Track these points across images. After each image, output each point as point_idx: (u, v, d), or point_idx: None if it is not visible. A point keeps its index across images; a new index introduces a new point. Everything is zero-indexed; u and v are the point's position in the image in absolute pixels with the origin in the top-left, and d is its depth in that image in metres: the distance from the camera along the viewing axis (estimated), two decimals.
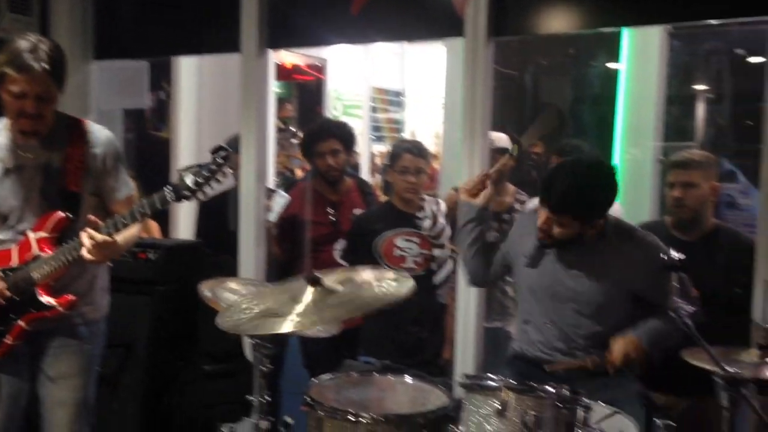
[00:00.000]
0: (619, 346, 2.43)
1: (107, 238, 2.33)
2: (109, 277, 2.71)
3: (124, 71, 4.14)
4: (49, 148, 2.50)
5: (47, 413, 2.56)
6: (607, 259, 2.56)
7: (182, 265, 3.49)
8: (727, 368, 1.84)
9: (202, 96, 6.20)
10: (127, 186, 2.60)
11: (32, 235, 2.47)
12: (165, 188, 2.28)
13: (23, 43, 2.35)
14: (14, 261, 2.48)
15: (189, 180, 2.23)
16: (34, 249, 2.45)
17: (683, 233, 2.98)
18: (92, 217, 2.38)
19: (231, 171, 2.29)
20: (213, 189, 2.28)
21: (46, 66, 2.34)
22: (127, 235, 2.49)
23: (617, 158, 5.19)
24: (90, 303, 2.60)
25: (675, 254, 2.00)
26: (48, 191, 2.49)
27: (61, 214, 2.46)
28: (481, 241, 2.80)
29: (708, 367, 1.90)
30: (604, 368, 2.49)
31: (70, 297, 2.44)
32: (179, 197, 2.26)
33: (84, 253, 2.33)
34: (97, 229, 2.34)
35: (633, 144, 5.14)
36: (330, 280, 2.28)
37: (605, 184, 2.54)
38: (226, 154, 2.23)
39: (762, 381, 2.02)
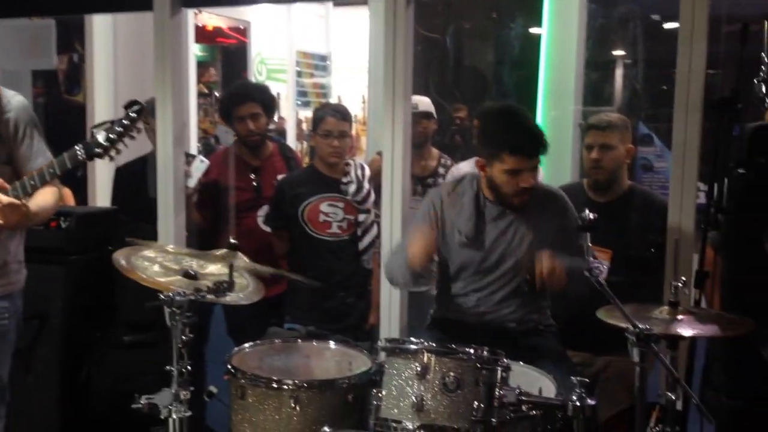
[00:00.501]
0: (546, 261, 2.43)
1: (14, 200, 2.22)
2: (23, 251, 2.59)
3: (30, 30, 3.93)
4: None
5: None
6: (532, 217, 2.62)
7: (97, 233, 3.37)
8: (638, 325, 1.89)
9: (118, 58, 5.97)
10: (43, 155, 2.46)
11: None
12: (76, 146, 2.18)
13: None
14: None
15: (101, 137, 2.15)
16: None
17: (600, 195, 3.04)
18: (0, 180, 2.27)
19: (145, 126, 2.21)
20: (126, 145, 2.19)
21: None
22: (41, 201, 2.39)
23: (539, 121, 5.27)
24: (3, 276, 2.48)
25: (588, 214, 2.03)
26: None
27: None
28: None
29: (621, 324, 1.95)
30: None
31: None
32: (90, 155, 2.16)
33: None
34: (5, 192, 2.23)
35: (554, 107, 5.23)
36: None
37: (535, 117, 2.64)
38: (140, 108, 2.15)
39: (672, 337, 2.09)
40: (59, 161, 2.24)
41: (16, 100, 2.46)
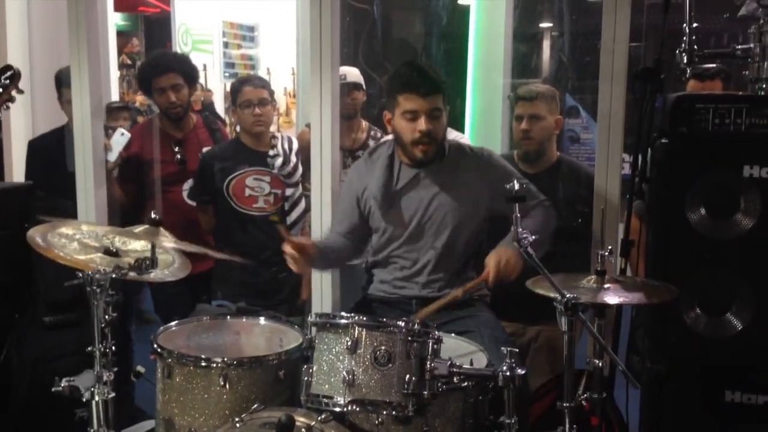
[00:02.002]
0: (494, 260, 2.43)
1: None
2: None
3: None
4: None
5: None
6: (456, 178, 2.61)
7: (12, 209, 3.20)
8: (566, 294, 1.92)
9: (32, 25, 5.68)
10: None
11: None
12: None
13: None
14: None
15: None
16: None
17: (529, 166, 3.07)
18: None
19: (19, 93, 2.04)
20: None
21: None
22: None
23: (469, 94, 5.29)
24: None
25: (515, 184, 2.04)
26: None
27: None
28: (328, 259, 2.72)
29: (549, 294, 1.97)
30: (470, 294, 2.53)
31: None
32: None
33: None
34: None
35: (483, 79, 5.24)
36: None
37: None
38: (12, 74, 2.00)
39: (599, 305, 2.13)
40: None
41: None
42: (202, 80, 6.21)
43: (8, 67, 2.00)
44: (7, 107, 2.01)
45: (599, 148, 2.82)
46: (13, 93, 1.99)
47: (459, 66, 5.31)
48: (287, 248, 2.45)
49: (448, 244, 2.59)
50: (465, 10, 5.31)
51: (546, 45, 5.73)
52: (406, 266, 2.62)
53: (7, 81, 1.98)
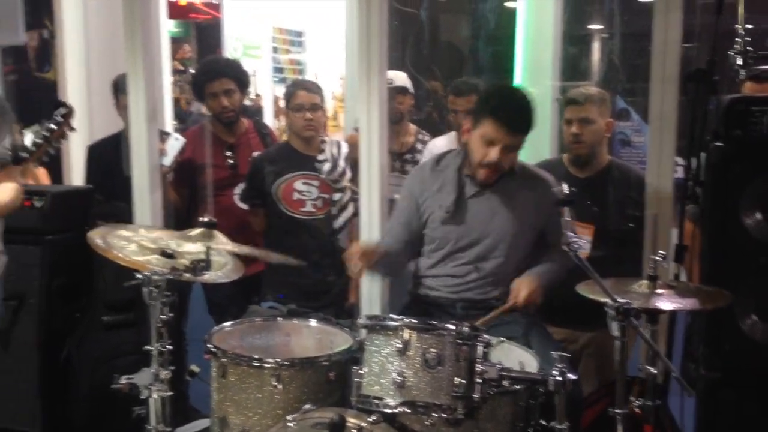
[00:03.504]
0: (523, 290, 2.48)
1: None
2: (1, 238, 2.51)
3: None
4: None
5: None
6: (516, 199, 2.60)
7: (73, 212, 3.31)
8: (618, 299, 1.90)
9: (90, 34, 5.85)
10: (3, 142, 2.32)
11: None
12: (6, 148, 2.08)
13: None
14: None
15: (28, 140, 2.04)
16: None
17: (580, 170, 3.05)
18: None
19: (72, 131, 2.09)
20: (54, 150, 2.08)
21: None
22: None
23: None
24: None
25: (566, 188, 2.03)
26: None
27: None
28: (389, 264, 2.71)
29: (600, 299, 1.96)
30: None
31: None
32: (17, 159, 2.05)
33: None
34: None
35: (532, 83, 5.20)
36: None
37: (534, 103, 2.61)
38: (66, 111, 2.05)
39: (652, 311, 2.11)
40: None
41: None
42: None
43: (63, 104, 2.06)
44: (59, 143, 2.06)
45: (651, 151, 2.78)
46: (66, 130, 2.04)
47: (506, 69, 5.29)
48: (352, 253, 2.49)
49: (500, 260, 2.60)
50: (512, 13, 5.29)
51: (596, 47, 5.66)
52: (458, 275, 2.63)
53: (61, 118, 2.04)
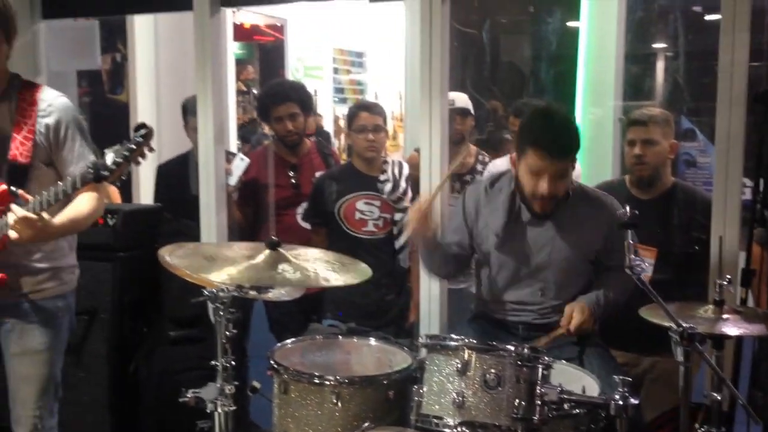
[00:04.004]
0: (576, 315, 2.45)
1: (29, 214, 2.20)
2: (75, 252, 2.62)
3: (75, 31, 4.01)
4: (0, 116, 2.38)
5: (13, 388, 2.50)
6: (575, 224, 2.57)
7: (143, 230, 3.44)
8: (682, 323, 1.87)
9: (160, 57, 6.06)
10: (84, 159, 2.41)
11: None
12: (87, 166, 2.18)
13: None
14: None
15: (109, 159, 2.13)
16: None
17: (643, 192, 3.01)
18: (21, 192, 2.27)
19: (151, 152, 2.17)
20: (131, 169, 2.17)
21: None
22: (71, 214, 2.37)
23: (579, 117, 5.22)
24: (55, 278, 2.52)
25: (628, 211, 2.01)
26: None
27: (3, 186, 2.33)
28: (440, 256, 2.71)
29: (664, 323, 1.93)
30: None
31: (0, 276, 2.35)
32: (98, 177, 2.13)
33: (8, 231, 2.22)
34: (26, 206, 2.23)
35: (594, 103, 5.17)
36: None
37: (575, 121, 2.56)
38: (146, 132, 2.13)
39: (718, 336, 2.06)
40: (71, 181, 2.22)
41: (59, 102, 2.44)
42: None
43: (143, 125, 2.15)
44: (138, 162, 2.16)
45: (717, 172, 2.74)
46: (145, 150, 2.13)
47: (568, 89, 5.26)
48: (418, 206, 2.51)
49: (558, 283, 2.58)
50: (574, 33, 5.27)
51: (660, 66, 5.58)
52: (519, 300, 2.62)
53: (141, 139, 2.12)
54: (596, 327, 2.62)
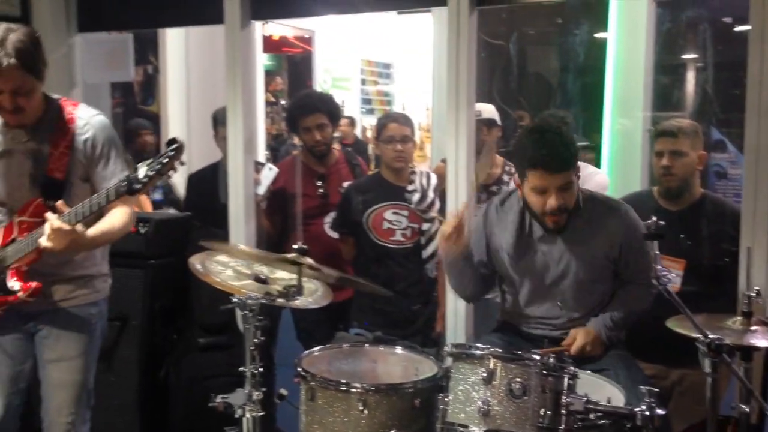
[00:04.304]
0: (579, 338, 2.47)
1: (64, 225, 2.26)
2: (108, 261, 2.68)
3: (109, 44, 4.10)
4: (39, 133, 2.46)
5: (46, 395, 2.56)
6: (588, 234, 2.57)
7: (173, 238, 3.49)
8: (709, 334, 1.87)
9: (191, 69, 6.16)
10: (117, 176, 2.47)
11: (16, 219, 2.45)
12: (120, 179, 2.24)
13: None
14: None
15: (141, 172, 2.18)
16: (15, 232, 2.44)
17: (671, 203, 2.99)
18: (59, 203, 2.33)
19: (182, 165, 2.23)
20: (163, 182, 2.22)
21: (14, 61, 2.24)
22: (105, 225, 2.43)
23: (606, 129, 5.20)
24: (88, 286, 2.58)
25: (655, 222, 2.01)
26: (37, 176, 2.46)
27: (40, 200, 2.42)
28: (470, 272, 2.72)
29: (691, 334, 1.93)
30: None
31: (34, 284, 2.40)
32: (132, 190, 2.18)
33: (42, 240, 2.28)
34: (60, 217, 2.29)
35: (622, 114, 5.14)
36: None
37: (567, 130, 2.61)
38: (178, 146, 2.18)
39: (746, 348, 2.05)
40: (106, 193, 2.28)
41: (96, 120, 2.52)
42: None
43: (174, 140, 2.21)
44: (169, 176, 2.22)
45: (746, 183, 2.72)
46: (176, 164, 2.18)
47: (596, 100, 5.24)
48: (453, 220, 2.55)
49: (577, 295, 2.58)
50: (602, 44, 5.25)
51: (690, 77, 5.54)
52: (537, 314, 2.63)
53: (172, 153, 2.18)
54: (621, 337, 2.62)
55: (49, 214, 2.29)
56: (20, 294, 2.40)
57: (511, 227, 2.63)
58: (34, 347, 2.56)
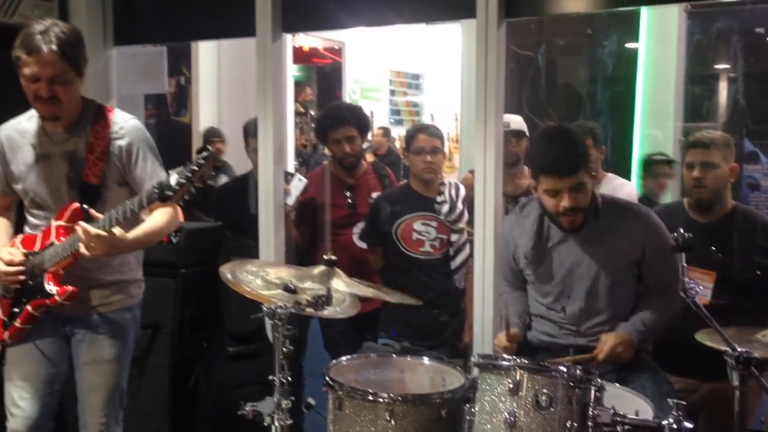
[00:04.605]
0: (609, 343, 2.47)
1: (100, 231, 2.31)
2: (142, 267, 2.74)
3: (144, 56, 4.18)
4: (75, 136, 2.52)
5: (81, 397, 2.62)
6: (608, 237, 2.58)
7: (204, 248, 3.55)
8: (737, 347, 1.85)
9: (222, 81, 6.27)
10: (157, 176, 2.53)
11: (54, 223, 2.51)
12: (153, 186, 2.28)
13: (36, 27, 2.36)
14: (37, 246, 2.54)
15: (173, 179, 2.22)
16: (52, 236, 2.50)
17: (701, 215, 2.97)
18: (92, 210, 2.39)
19: (212, 173, 2.27)
20: (194, 190, 2.25)
21: (55, 47, 2.32)
22: (149, 226, 2.49)
23: (637, 139, 5.18)
24: (123, 291, 2.64)
25: (682, 234, 2.00)
26: (74, 180, 2.52)
27: (76, 204, 2.47)
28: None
29: (720, 347, 1.91)
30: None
31: (70, 288, 2.46)
32: (163, 197, 2.23)
33: (80, 247, 2.34)
34: (95, 224, 2.34)
35: (653, 125, 5.12)
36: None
37: (576, 132, 2.67)
38: (207, 154, 2.22)
39: None
40: (138, 200, 2.32)
41: (131, 124, 2.58)
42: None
43: (205, 149, 2.25)
44: (199, 184, 2.25)
45: None
46: (206, 172, 2.22)
47: (626, 110, 5.22)
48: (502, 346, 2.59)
49: (599, 298, 2.59)
50: (633, 54, 5.24)
51: (721, 87, 5.49)
52: (561, 318, 2.64)
53: (202, 161, 2.21)
54: (648, 349, 2.60)
55: (81, 223, 2.34)
56: (57, 297, 2.46)
57: (529, 231, 2.69)
58: (70, 350, 2.63)
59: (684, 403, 1.88)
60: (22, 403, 2.54)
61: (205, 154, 2.21)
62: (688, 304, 1.97)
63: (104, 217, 2.36)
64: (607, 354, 2.46)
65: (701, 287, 1.94)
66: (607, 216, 2.61)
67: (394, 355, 2.68)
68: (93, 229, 2.31)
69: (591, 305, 2.59)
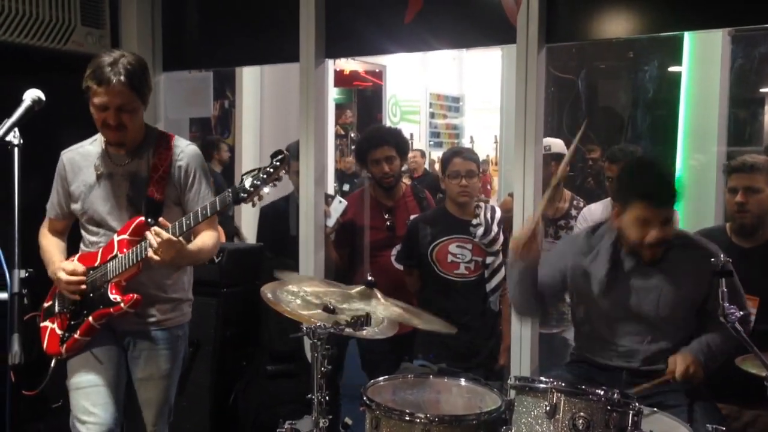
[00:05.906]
0: (681, 363, 2.44)
1: (171, 237, 2.43)
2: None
3: (191, 81, 4.30)
4: (137, 158, 2.65)
5: (133, 412, 2.70)
6: (681, 271, 2.56)
7: (246, 268, 3.61)
8: None
9: (264, 104, 6.38)
10: (207, 200, 2.61)
11: (116, 237, 2.61)
12: (226, 190, 2.38)
13: (106, 58, 2.50)
14: (97, 261, 2.63)
15: (247, 182, 2.33)
16: (115, 249, 2.59)
17: (744, 240, 2.93)
18: (161, 220, 2.50)
19: (286, 174, 2.37)
20: (268, 191, 2.35)
21: (123, 78, 2.46)
22: (199, 242, 2.61)
23: (680, 163, 5.12)
24: (177, 309, 2.74)
25: (723, 259, 1.98)
26: (134, 198, 2.63)
27: (142, 218, 2.58)
28: (529, 283, 2.73)
29: (761, 373, 1.89)
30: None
31: (135, 296, 2.55)
32: (237, 200, 2.34)
33: (150, 252, 2.44)
34: (165, 230, 2.45)
35: (696, 149, 5.06)
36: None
37: (671, 167, 2.62)
38: (283, 157, 2.31)
39: None
40: (211, 204, 2.44)
41: (190, 149, 2.71)
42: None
43: (280, 152, 2.36)
44: (274, 185, 2.36)
45: None
46: (281, 173, 2.34)
47: (669, 134, 5.17)
48: (527, 231, 2.59)
49: (665, 330, 2.57)
50: (675, 77, 5.20)
51: (766, 111, 5.41)
52: (622, 345, 2.61)
53: (278, 163, 2.33)
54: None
55: (154, 228, 2.44)
56: (123, 305, 2.54)
57: (603, 257, 2.64)
58: (127, 362, 2.71)
59: (724, 429, 1.86)
60: (95, 409, 2.60)
61: (281, 156, 2.30)
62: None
63: (174, 225, 2.47)
64: (682, 374, 2.42)
65: (740, 313, 1.92)
66: (680, 250, 2.59)
67: (431, 376, 2.68)
68: (165, 233, 2.42)
69: (658, 334, 2.57)
